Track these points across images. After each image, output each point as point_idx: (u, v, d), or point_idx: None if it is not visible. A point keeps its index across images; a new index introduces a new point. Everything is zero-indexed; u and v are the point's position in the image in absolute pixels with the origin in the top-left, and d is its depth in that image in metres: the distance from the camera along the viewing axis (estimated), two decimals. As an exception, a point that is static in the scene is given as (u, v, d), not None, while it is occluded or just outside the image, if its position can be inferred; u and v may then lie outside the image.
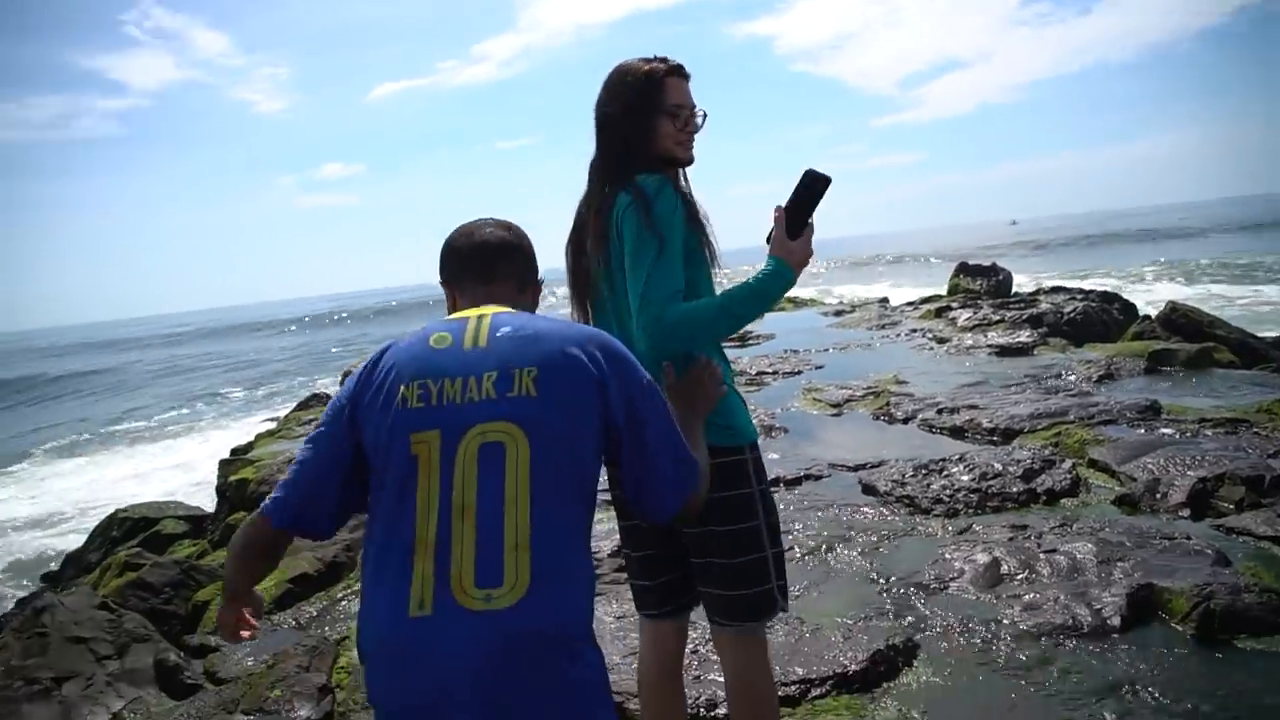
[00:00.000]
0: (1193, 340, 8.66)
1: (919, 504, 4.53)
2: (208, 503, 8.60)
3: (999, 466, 4.76)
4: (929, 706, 2.76)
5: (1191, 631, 3.07)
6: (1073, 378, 7.35)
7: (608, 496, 2.10)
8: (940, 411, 6.36)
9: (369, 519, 1.44)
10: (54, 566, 9.13)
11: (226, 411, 23.53)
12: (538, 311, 1.73)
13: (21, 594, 8.32)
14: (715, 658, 3.06)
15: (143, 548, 6.58)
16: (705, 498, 1.61)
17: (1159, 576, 3.36)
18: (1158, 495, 4.32)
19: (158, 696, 3.41)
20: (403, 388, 1.42)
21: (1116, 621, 3.13)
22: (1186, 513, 4.15)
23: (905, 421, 6.41)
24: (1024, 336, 9.47)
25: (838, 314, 14.58)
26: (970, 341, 9.68)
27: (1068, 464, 4.82)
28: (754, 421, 2.21)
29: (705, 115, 2.05)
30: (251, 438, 10.04)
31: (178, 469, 15.07)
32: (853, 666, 2.93)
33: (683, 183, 2.07)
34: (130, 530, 7.77)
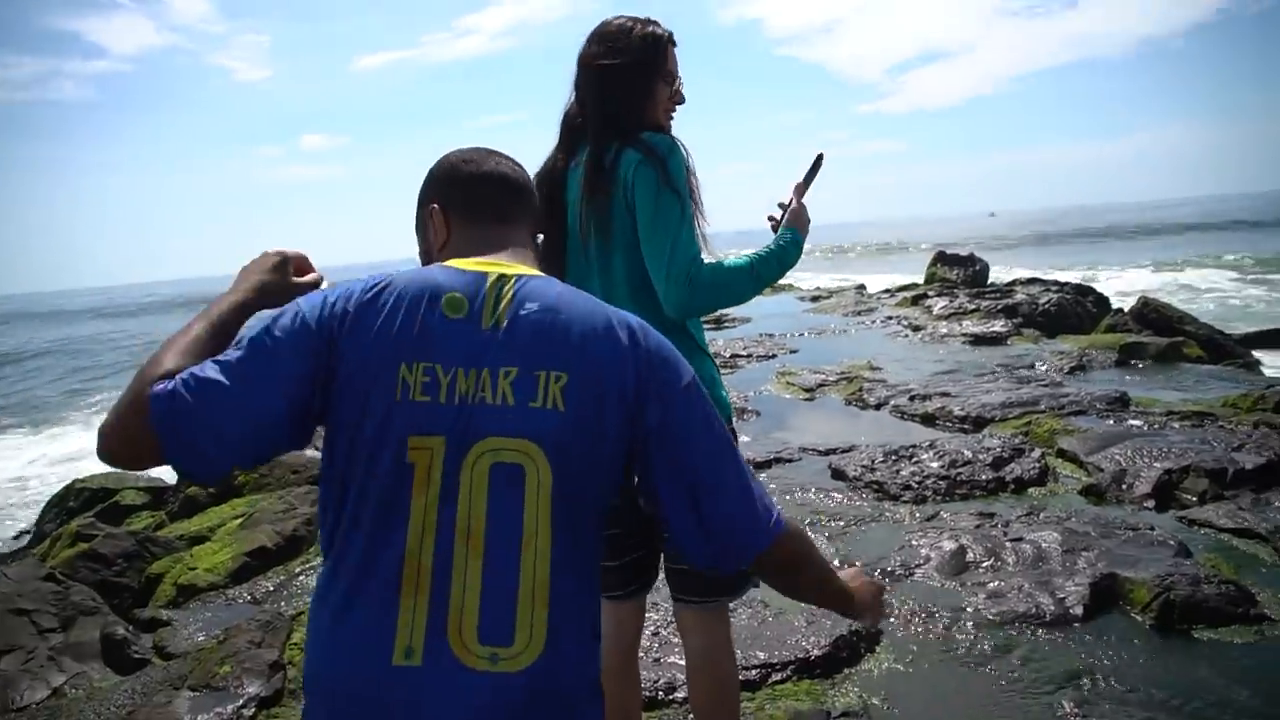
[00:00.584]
0: (1163, 334, 8.73)
1: (888, 490, 4.51)
2: (169, 474, 8.46)
3: (968, 454, 4.75)
4: (889, 693, 2.73)
5: (1151, 621, 3.07)
6: (1045, 368, 7.38)
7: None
8: (912, 398, 6.35)
9: (332, 520, 1.14)
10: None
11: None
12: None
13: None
14: (676, 640, 3.02)
15: (99, 518, 6.47)
16: (792, 553, 1.26)
17: (1122, 566, 3.35)
18: (1124, 486, 4.32)
19: (102, 671, 3.32)
20: (404, 368, 1.11)
21: (1079, 611, 3.12)
22: (1151, 504, 4.15)
23: (877, 407, 6.40)
24: (998, 326, 9.50)
25: (814, 299, 14.58)
26: (945, 330, 9.69)
27: (1037, 453, 4.81)
28: (728, 401, 2.17)
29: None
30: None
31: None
32: (815, 652, 2.90)
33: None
34: (88, 501, 7.61)
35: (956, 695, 2.72)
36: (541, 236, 1.96)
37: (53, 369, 29.24)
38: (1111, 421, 5.36)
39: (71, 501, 7.78)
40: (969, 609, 3.23)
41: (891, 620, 3.19)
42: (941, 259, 15.73)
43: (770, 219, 2.10)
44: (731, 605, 3.22)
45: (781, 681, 2.80)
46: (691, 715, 2.11)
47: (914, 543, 3.80)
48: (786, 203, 2.09)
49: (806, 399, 6.87)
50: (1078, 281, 13.21)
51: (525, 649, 1.08)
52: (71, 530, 4.98)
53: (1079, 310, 11.00)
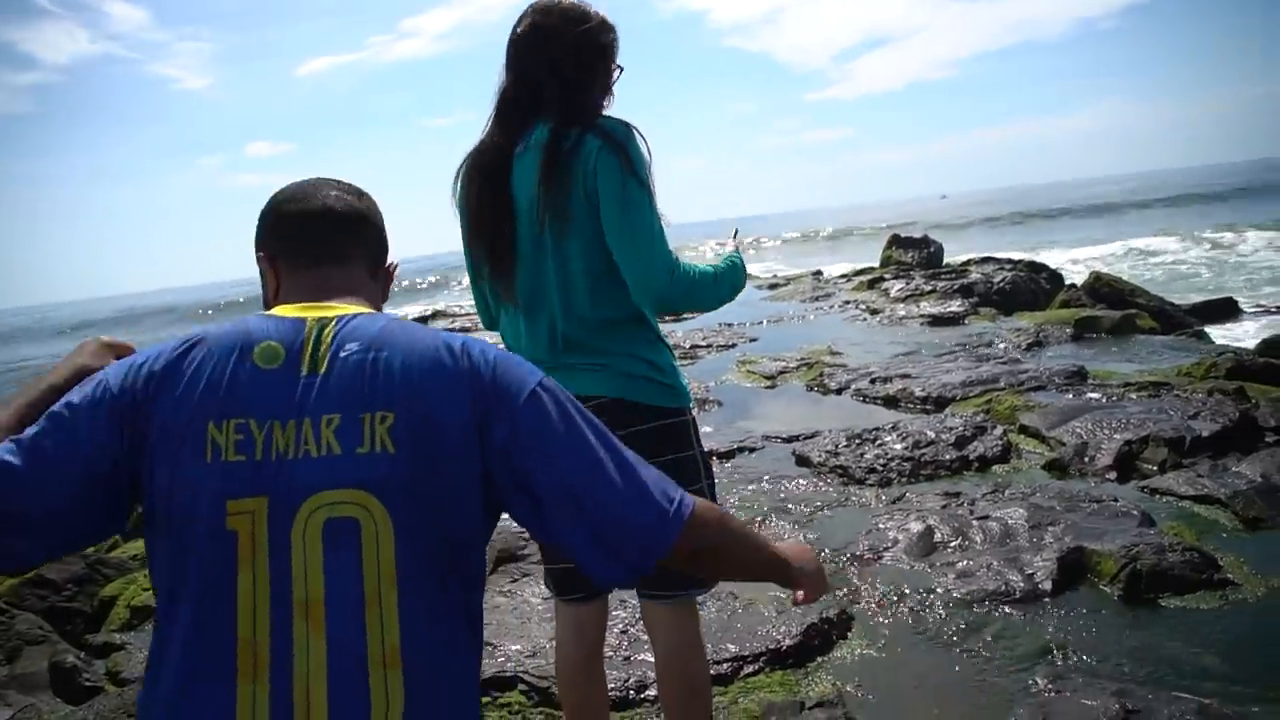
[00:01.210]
0: (1116, 308, 8.85)
1: (852, 474, 4.49)
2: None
3: (931, 435, 4.75)
4: (863, 679, 2.70)
5: (1119, 592, 3.08)
6: (1003, 345, 7.44)
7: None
8: (873, 381, 6.36)
9: (161, 600, 1.03)
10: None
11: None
12: (390, 305, 1.36)
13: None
14: (645, 638, 2.97)
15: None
16: (701, 554, 1.17)
17: (1088, 539, 3.36)
18: (1086, 459, 4.35)
19: (52, 702, 3.19)
20: (213, 428, 1.01)
21: (1048, 586, 3.12)
22: (1113, 475, 4.18)
23: (839, 392, 6.40)
24: (955, 306, 9.57)
25: (772, 287, 14.61)
26: (903, 312, 9.75)
27: (999, 430, 4.83)
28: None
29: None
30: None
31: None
32: (786, 641, 2.86)
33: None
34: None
35: (930, 677, 2.70)
36: (478, 228, 1.89)
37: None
38: (1071, 395, 5.40)
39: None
40: (939, 589, 3.22)
41: (862, 605, 3.17)
42: (896, 242, 15.82)
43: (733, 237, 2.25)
44: (700, 598, 3.19)
45: (754, 674, 2.76)
46: (663, 714, 2.05)
47: (881, 526, 3.78)
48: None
49: (768, 387, 6.86)
50: (1030, 259, 13.35)
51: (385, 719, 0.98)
52: (17, 557, 4.79)
53: (1033, 287, 11.12)
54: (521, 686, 2.73)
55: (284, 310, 1.15)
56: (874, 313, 10.04)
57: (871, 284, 12.39)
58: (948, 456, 4.54)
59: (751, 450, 5.09)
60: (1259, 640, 2.77)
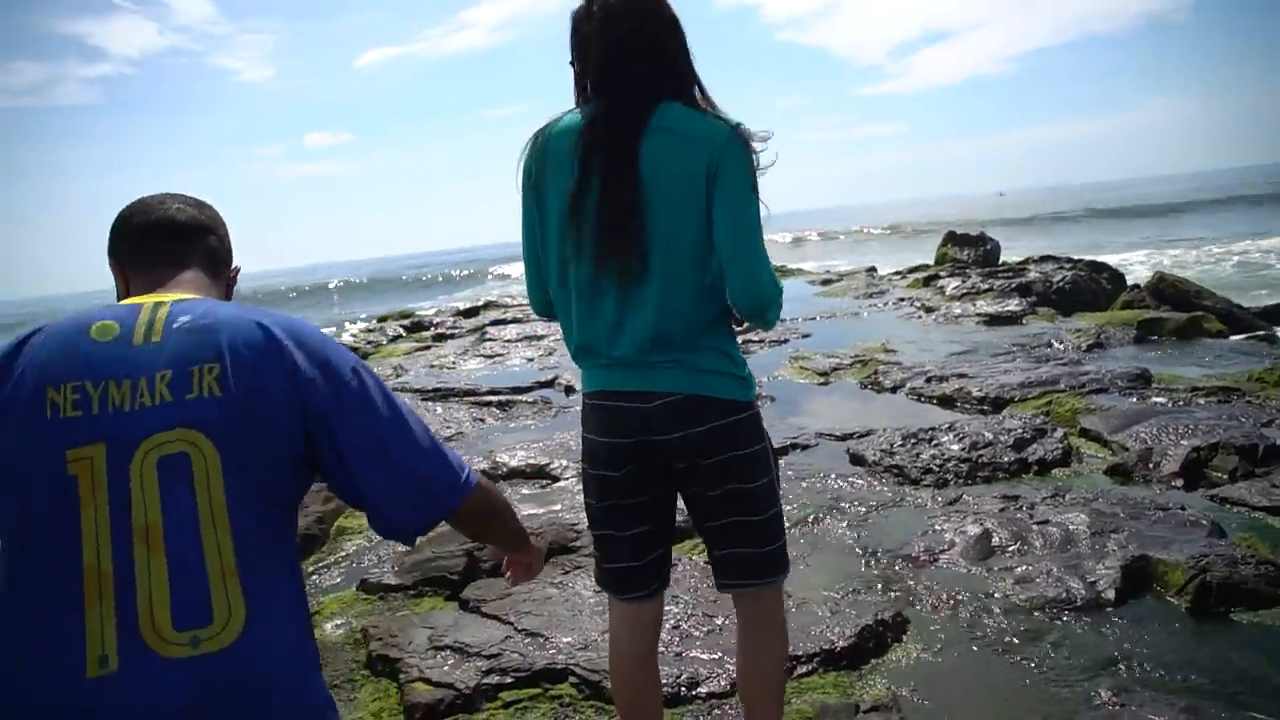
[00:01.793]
0: (1180, 309, 8.60)
1: (908, 474, 4.42)
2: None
3: (989, 436, 4.66)
4: (918, 684, 2.65)
5: (1187, 605, 2.98)
6: (1062, 346, 7.27)
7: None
8: (929, 380, 6.26)
9: (7, 550, 1.13)
10: None
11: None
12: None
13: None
14: (697, 634, 2.96)
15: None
16: (489, 512, 1.43)
17: (1153, 548, 3.26)
18: (1150, 465, 4.22)
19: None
20: (51, 391, 1.13)
21: (1111, 595, 3.03)
22: (1180, 483, 4.06)
23: (893, 390, 6.30)
24: (1013, 305, 9.38)
25: (825, 283, 14.45)
26: (959, 310, 9.58)
27: (1059, 433, 4.72)
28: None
29: None
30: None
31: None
32: (840, 643, 2.82)
33: None
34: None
35: (988, 684, 2.64)
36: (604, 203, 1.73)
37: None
38: (1134, 399, 5.25)
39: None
40: (997, 594, 3.15)
41: (917, 608, 3.11)
42: (952, 239, 15.56)
43: None
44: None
45: (807, 674, 2.73)
46: (741, 704, 2.06)
47: (937, 527, 3.72)
48: None
49: (821, 383, 6.78)
50: (1091, 258, 13.03)
51: (226, 625, 1.09)
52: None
53: (1094, 287, 10.85)
54: (572, 679, 2.73)
55: (124, 302, 1.30)
56: (929, 310, 9.88)
57: (926, 281, 12.19)
58: (1006, 459, 4.45)
59: (804, 448, 5.04)
60: (1336, 659, 2.66)
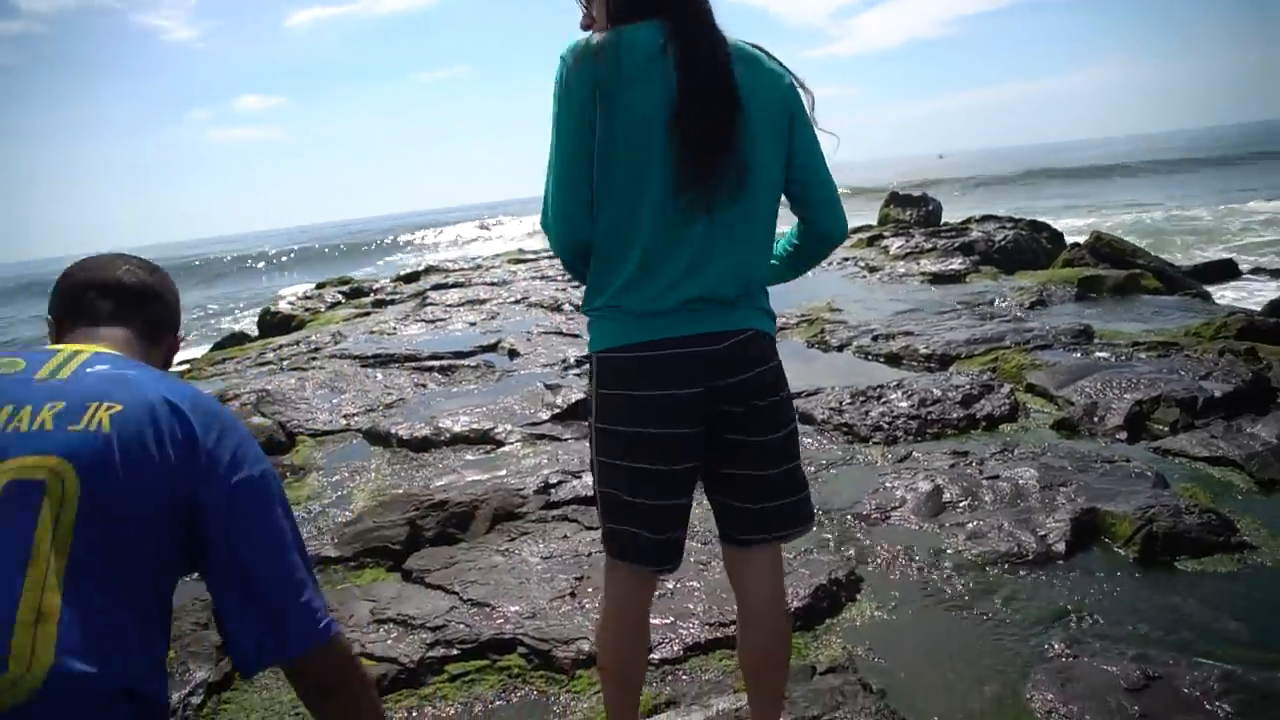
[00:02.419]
0: (1118, 267, 8.74)
1: (857, 432, 4.40)
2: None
3: (938, 393, 4.66)
4: (874, 643, 2.62)
5: (1134, 555, 3.00)
6: (1006, 304, 7.33)
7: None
8: (875, 338, 6.25)
9: None
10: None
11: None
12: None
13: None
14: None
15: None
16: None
17: (1101, 500, 3.28)
18: (1095, 419, 4.26)
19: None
20: None
21: (1061, 547, 3.04)
22: (1124, 436, 4.10)
23: (840, 349, 6.29)
24: (956, 264, 9.44)
25: (770, 245, 14.44)
26: (903, 270, 9.62)
27: (1006, 389, 4.73)
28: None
29: None
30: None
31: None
32: (794, 604, 2.77)
33: None
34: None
35: (943, 640, 2.62)
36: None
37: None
38: (1078, 354, 5.30)
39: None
40: (949, 550, 3.14)
41: (870, 566, 3.09)
42: (894, 200, 15.61)
43: None
44: (704, 559, 3.10)
45: (761, 636, 2.68)
46: (752, 678, 1.93)
47: (888, 485, 3.70)
48: None
49: (768, 344, 6.74)
50: (1032, 218, 13.19)
51: (26, 673, 0.96)
52: None
53: (1035, 246, 10.97)
54: (521, 649, 2.64)
55: (46, 348, 1.28)
56: (873, 270, 9.90)
57: (870, 241, 12.23)
58: (955, 415, 4.45)
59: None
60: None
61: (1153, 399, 4.30)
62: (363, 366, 6.80)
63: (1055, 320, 6.39)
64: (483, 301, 9.80)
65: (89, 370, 1.18)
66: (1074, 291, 7.67)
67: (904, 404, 4.58)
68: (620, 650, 1.89)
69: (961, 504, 3.46)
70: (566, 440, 4.58)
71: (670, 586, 2.91)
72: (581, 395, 5.15)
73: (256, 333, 12.17)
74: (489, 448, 4.61)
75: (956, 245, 10.52)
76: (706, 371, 1.65)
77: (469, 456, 4.51)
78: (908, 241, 11.23)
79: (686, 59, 1.59)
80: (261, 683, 2.74)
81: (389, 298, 11.61)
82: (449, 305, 9.84)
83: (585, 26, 1.76)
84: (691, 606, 2.79)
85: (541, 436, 4.66)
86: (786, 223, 1.86)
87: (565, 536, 3.38)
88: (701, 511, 2.56)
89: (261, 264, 43.61)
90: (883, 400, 4.67)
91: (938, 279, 8.91)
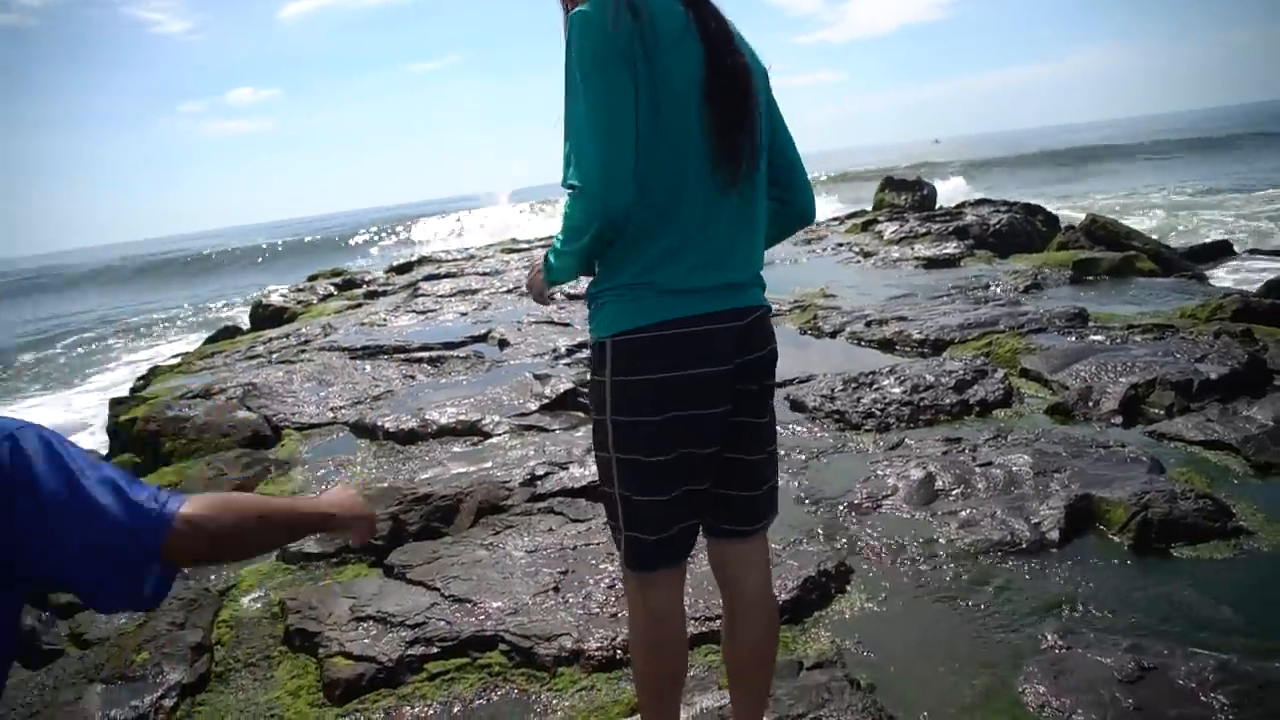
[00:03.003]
0: (1113, 250, 8.66)
1: (849, 419, 4.33)
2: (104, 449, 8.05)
3: (930, 378, 4.59)
4: (863, 636, 2.56)
5: (1129, 542, 2.94)
6: (1000, 288, 7.25)
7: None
8: (869, 324, 6.18)
9: None
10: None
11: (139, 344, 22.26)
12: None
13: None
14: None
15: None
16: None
17: (1096, 487, 3.22)
18: (1090, 403, 4.19)
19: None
20: None
21: (1055, 535, 2.98)
22: (1119, 420, 4.04)
23: (833, 335, 6.22)
24: (951, 248, 9.36)
25: (764, 231, 14.35)
26: (897, 254, 9.54)
27: (1000, 374, 4.67)
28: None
29: None
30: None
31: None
32: (782, 596, 2.71)
33: None
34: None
35: (934, 632, 2.56)
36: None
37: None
38: (1073, 338, 5.23)
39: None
40: (941, 540, 3.08)
41: (860, 556, 3.03)
42: (889, 184, 15.53)
43: None
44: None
45: (749, 630, 2.62)
46: (738, 675, 1.86)
47: (880, 473, 3.64)
48: None
49: (761, 331, 6.67)
50: (1026, 201, 13.10)
51: None
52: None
53: (1029, 229, 10.89)
54: (502, 646, 2.58)
55: None
56: (867, 255, 9.82)
57: (864, 226, 12.15)
58: (947, 401, 4.38)
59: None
60: (1277, 590, 2.64)
61: (1148, 382, 4.24)
62: (351, 359, 6.73)
63: (1050, 304, 6.32)
64: (475, 291, 9.72)
65: None
66: (1069, 275, 7.60)
67: (896, 390, 4.51)
68: (666, 663, 1.77)
69: (954, 492, 3.40)
70: (554, 431, 4.51)
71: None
72: (571, 385, 5.09)
73: (249, 326, 12.09)
74: (476, 439, 4.54)
75: (951, 229, 10.44)
76: (736, 347, 1.61)
77: (456, 449, 4.44)
78: (902, 226, 11.15)
79: (709, 33, 1.57)
80: (238, 682, 2.69)
81: (381, 289, 11.52)
82: (440, 296, 9.76)
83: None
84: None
85: (529, 428, 4.60)
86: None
87: (550, 530, 3.32)
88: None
89: (259, 259, 43.33)
90: (875, 387, 4.60)
91: (932, 263, 8.83)
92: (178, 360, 10.72)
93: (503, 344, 6.71)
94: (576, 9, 1.51)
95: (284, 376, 6.24)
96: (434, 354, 6.55)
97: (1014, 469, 3.46)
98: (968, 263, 8.80)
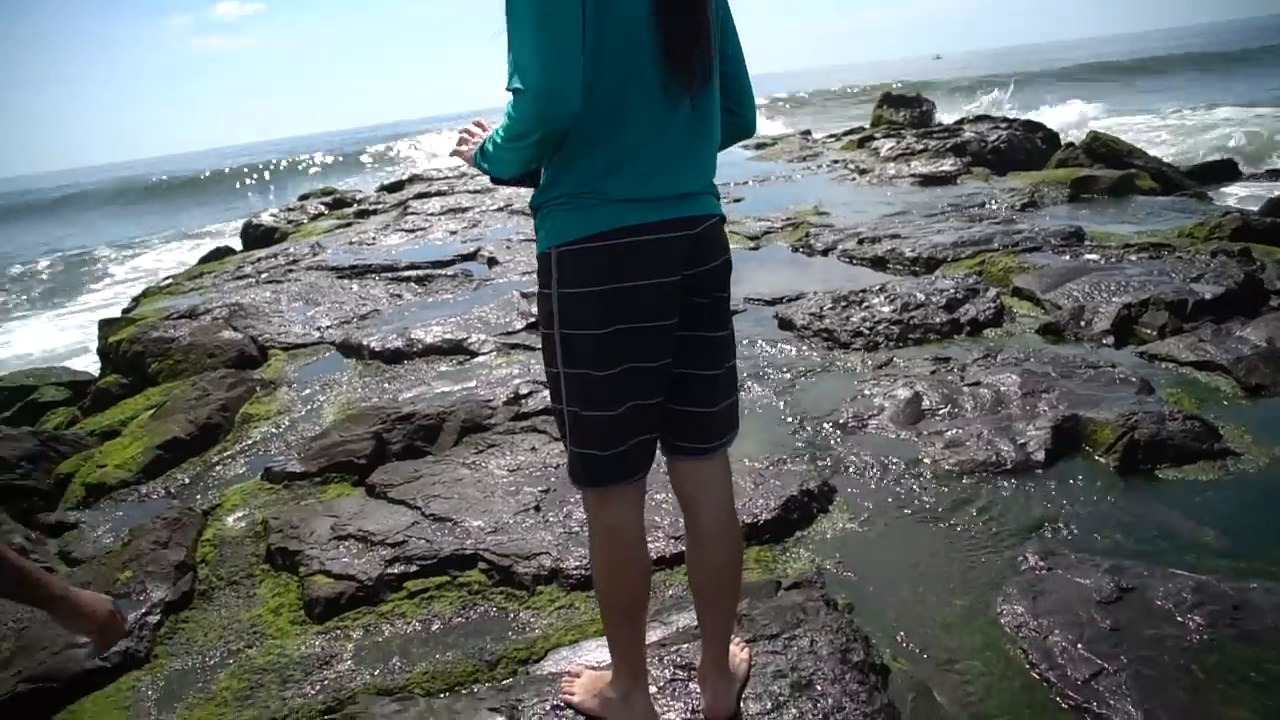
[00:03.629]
0: (1114, 168, 8.51)
1: (837, 338, 4.29)
2: (94, 367, 8.01)
3: (921, 297, 4.53)
4: (843, 556, 2.56)
5: (1115, 463, 2.93)
6: (996, 206, 7.14)
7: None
8: (861, 242, 6.09)
9: None
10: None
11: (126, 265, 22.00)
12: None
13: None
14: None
15: (15, 419, 6.07)
16: None
17: (1084, 407, 3.19)
18: (1082, 323, 4.15)
19: (-3, 581, 3.04)
20: None
21: (1040, 456, 2.96)
22: (1110, 340, 4.00)
23: (824, 253, 6.13)
24: (947, 165, 9.19)
25: (758, 147, 14.07)
26: (893, 171, 9.37)
27: (992, 293, 4.61)
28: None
29: None
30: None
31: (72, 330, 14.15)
32: (764, 515, 2.71)
33: None
34: (7, 400, 7.18)
35: (914, 554, 2.56)
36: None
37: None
38: (1067, 257, 5.16)
39: (-12, 399, 7.35)
40: (926, 460, 3.06)
41: (844, 476, 3.02)
42: (887, 100, 15.21)
43: None
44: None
45: (730, 549, 2.61)
46: (709, 594, 1.84)
47: (866, 392, 3.61)
48: None
49: (751, 248, 6.57)
50: (1026, 118, 12.84)
51: None
52: (-36, 432, 4.60)
53: (1028, 147, 10.68)
54: (482, 565, 2.58)
55: None
56: (863, 172, 9.65)
57: (861, 143, 11.91)
58: (938, 320, 4.33)
59: (733, 313, 4.86)
60: (1260, 512, 2.63)
61: (1141, 302, 4.19)
62: (339, 278, 6.64)
63: (1046, 222, 6.22)
64: (465, 210, 9.56)
65: None
66: (1067, 193, 7.47)
67: (886, 309, 4.46)
68: (625, 582, 1.75)
69: (941, 411, 3.37)
70: (539, 349, 4.46)
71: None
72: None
73: (241, 246, 11.95)
74: (461, 358, 4.50)
75: (949, 146, 10.24)
76: (684, 259, 1.58)
77: (441, 368, 4.40)
78: (899, 143, 10.93)
79: None
80: (220, 600, 2.70)
81: (372, 208, 11.35)
82: (430, 214, 9.61)
83: None
84: (658, 519, 2.72)
85: (515, 346, 4.55)
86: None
87: (534, 449, 3.30)
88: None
89: (252, 179, 42.55)
90: (865, 305, 4.54)
91: (928, 181, 8.68)
92: (169, 281, 10.61)
93: (491, 262, 6.62)
94: None
95: (271, 296, 6.16)
96: (422, 273, 6.47)
97: (1002, 389, 3.43)
98: (965, 180, 8.65)
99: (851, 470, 3.05)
